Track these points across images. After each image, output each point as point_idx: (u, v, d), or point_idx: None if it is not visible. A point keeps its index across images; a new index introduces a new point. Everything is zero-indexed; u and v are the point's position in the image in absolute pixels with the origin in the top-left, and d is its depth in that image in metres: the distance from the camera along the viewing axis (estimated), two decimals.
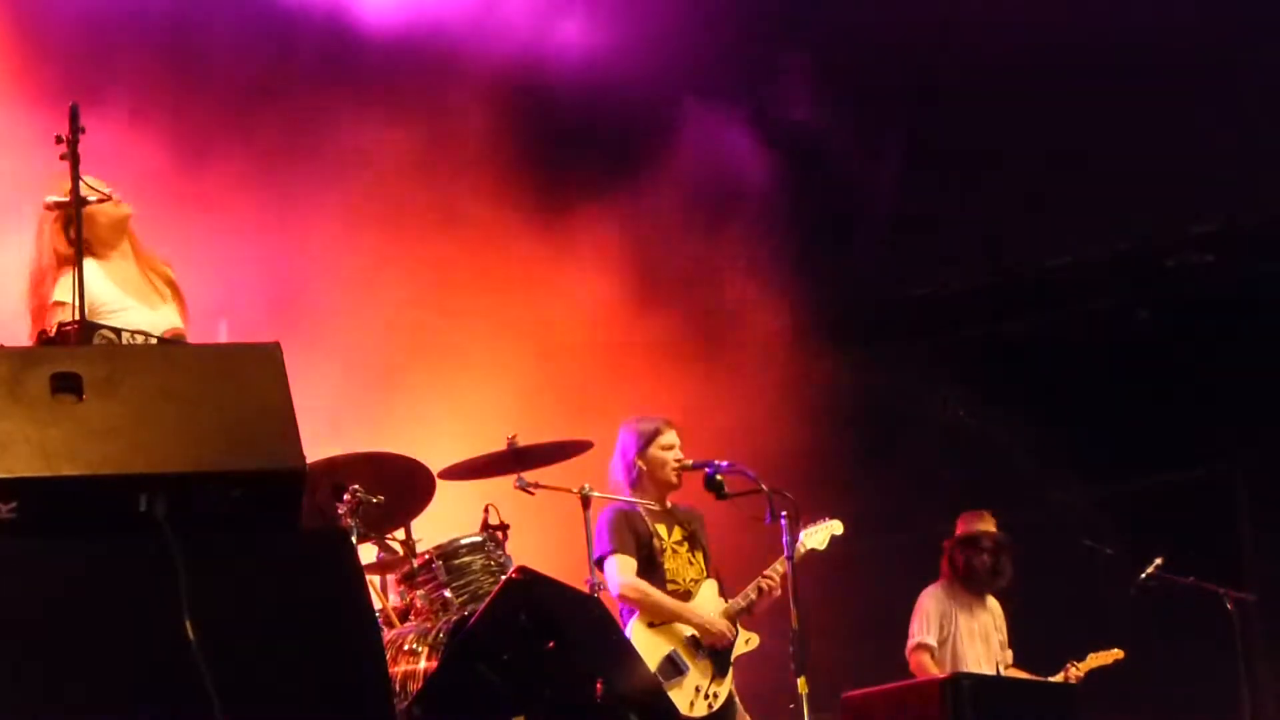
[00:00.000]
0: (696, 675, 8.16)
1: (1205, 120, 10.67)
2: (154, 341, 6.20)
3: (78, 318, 5.63)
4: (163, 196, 9.00)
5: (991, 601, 9.88)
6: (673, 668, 8.11)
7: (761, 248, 11.57)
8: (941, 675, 9.15)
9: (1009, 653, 9.85)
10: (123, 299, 6.41)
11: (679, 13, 10.96)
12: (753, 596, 8.28)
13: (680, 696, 8.00)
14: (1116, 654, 10.01)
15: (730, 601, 8.34)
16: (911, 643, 9.68)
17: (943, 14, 10.76)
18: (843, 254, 12.06)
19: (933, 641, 9.61)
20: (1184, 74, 10.58)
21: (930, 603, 9.74)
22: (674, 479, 8.35)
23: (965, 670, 9.45)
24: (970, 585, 9.76)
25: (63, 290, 6.22)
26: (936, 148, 11.52)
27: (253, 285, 9.57)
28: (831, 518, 8.64)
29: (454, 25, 10.66)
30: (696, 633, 8.21)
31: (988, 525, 9.82)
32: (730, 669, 8.28)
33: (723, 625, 8.23)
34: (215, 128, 9.82)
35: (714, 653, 8.23)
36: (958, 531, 9.86)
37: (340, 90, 10.35)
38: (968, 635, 9.68)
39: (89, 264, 6.25)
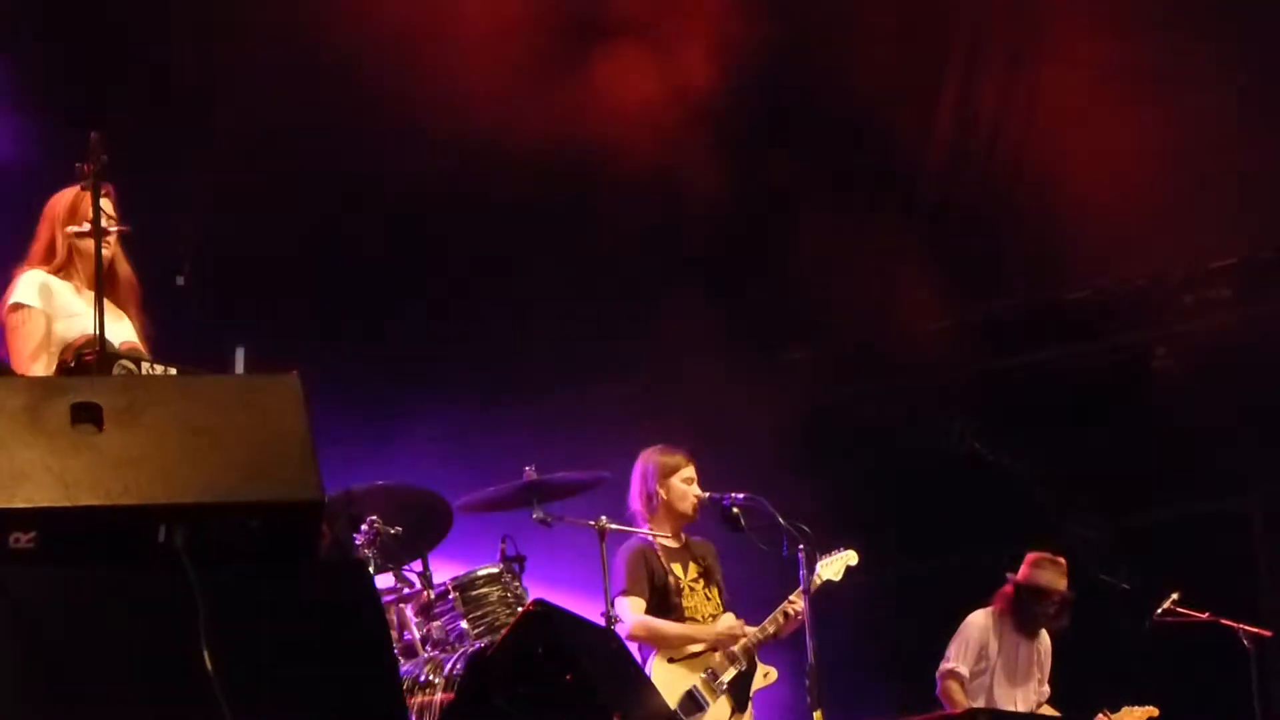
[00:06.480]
0: (717, 711, 8.15)
1: (1219, 153, 10.65)
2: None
3: (99, 349, 5.60)
4: None
5: (1043, 635, 9.82)
6: (693, 704, 8.11)
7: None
8: (961, 709, 9.09)
9: (1046, 689, 9.79)
10: (77, 303, 6.30)
11: None
12: (770, 630, 8.28)
13: None
14: (1152, 711, 9.86)
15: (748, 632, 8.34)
16: (944, 666, 9.57)
17: None
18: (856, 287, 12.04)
19: (965, 670, 9.49)
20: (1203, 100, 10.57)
21: (975, 630, 9.62)
22: (691, 511, 8.37)
23: (996, 706, 9.36)
24: (1024, 628, 9.68)
25: (22, 292, 6.25)
26: None
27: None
28: (846, 548, 8.63)
29: None
30: (710, 647, 8.21)
31: (1060, 581, 9.69)
32: (750, 704, 8.27)
33: (731, 624, 8.23)
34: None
35: (734, 688, 8.22)
36: (1025, 572, 9.71)
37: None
38: (1006, 671, 9.58)
39: (49, 275, 6.30)
